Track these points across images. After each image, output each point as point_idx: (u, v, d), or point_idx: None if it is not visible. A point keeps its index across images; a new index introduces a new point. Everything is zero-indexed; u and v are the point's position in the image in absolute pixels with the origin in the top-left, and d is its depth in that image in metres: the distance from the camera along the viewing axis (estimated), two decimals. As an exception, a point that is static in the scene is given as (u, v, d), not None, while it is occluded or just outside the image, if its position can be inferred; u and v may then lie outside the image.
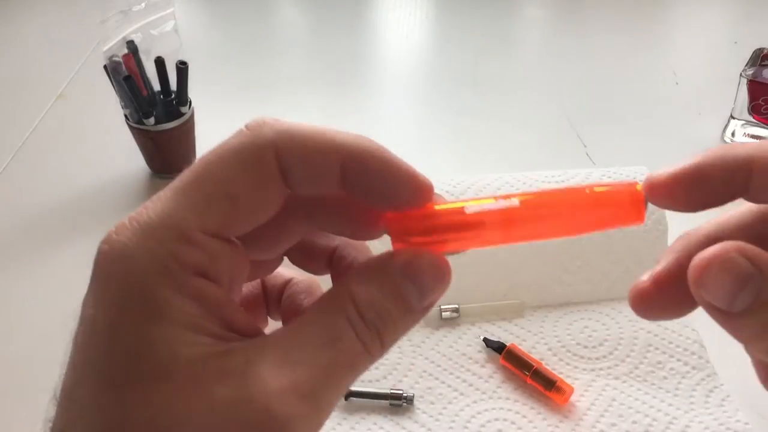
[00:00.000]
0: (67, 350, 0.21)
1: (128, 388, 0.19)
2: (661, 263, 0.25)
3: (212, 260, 0.21)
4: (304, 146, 0.22)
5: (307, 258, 0.26)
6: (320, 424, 0.21)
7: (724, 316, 0.21)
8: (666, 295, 0.24)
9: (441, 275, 0.23)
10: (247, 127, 0.22)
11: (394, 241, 0.23)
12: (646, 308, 0.24)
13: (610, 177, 0.54)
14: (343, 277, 0.23)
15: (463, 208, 0.23)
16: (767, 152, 0.22)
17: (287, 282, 0.27)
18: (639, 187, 0.23)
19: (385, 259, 0.23)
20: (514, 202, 0.23)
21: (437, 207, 0.23)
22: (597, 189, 0.23)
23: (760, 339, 0.21)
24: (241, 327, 0.21)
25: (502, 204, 0.23)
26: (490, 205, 0.23)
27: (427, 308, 0.23)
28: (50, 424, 0.20)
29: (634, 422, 0.42)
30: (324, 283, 0.26)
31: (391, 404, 0.44)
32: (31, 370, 0.49)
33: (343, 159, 0.22)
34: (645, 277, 0.25)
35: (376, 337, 0.22)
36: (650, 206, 0.52)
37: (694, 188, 0.24)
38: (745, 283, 0.21)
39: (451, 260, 0.40)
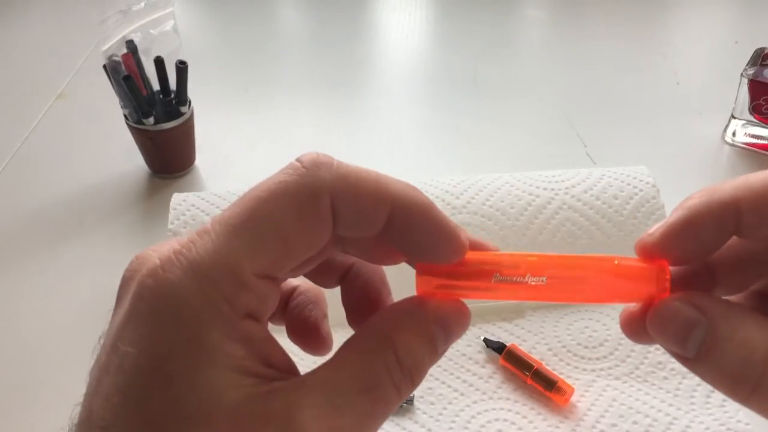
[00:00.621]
0: (85, 375, 0.21)
1: (172, 430, 0.19)
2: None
3: (261, 302, 0.21)
4: (358, 193, 0.22)
5: (322, 273, 0.26)
6: None
7: (683, 360, 0.23)
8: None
9: (465, 322, 0.24)
10: (301, 163, 0.22)
11: (420, 286, 0.24)
12: (635, 334, 0.25)
13: (610, 176, 0.53)
14: (356, 294, 0.24)
15: (492, 278, 0.24)
16: (751, 189, 0.23)
17: (293, 290, 0.27)
18: (665, 269, 0.24)
19: (418, 305, 0.23)
20: (543, 280, 0.23)
21: (468, 264, 0.24)
22: (623, 263, 0.24)
23: (720, 384, 0.22)
24: (278, 362, 0.21)
25: (531, 281, 0.23)
26: (518, 279, 0.23)
27: (448, 347, 0.24)
28: None
29: (635, 423, 0.42)
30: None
31: None
32: (31, 368, 0.49)
33: (392, 208, 0.22)
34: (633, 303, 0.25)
35: (410, 382, 0.22)
36: (651, 205, 0.52)
37: (686, 242, 0.24)
38: (691, 329, 0.22)
39: None
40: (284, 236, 0.21)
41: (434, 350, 0.23)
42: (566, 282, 0.24)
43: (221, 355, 0.19)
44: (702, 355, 0.22)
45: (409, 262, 0.25)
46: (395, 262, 0.25)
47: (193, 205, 0.51)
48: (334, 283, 0.27)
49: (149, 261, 0.20)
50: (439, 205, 0.50)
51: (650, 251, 0.25)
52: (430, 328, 0.23)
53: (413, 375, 0.22)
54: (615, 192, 0.52)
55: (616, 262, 0.24)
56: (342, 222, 0.22)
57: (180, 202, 0.51)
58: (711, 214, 0.23)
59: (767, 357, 0.21)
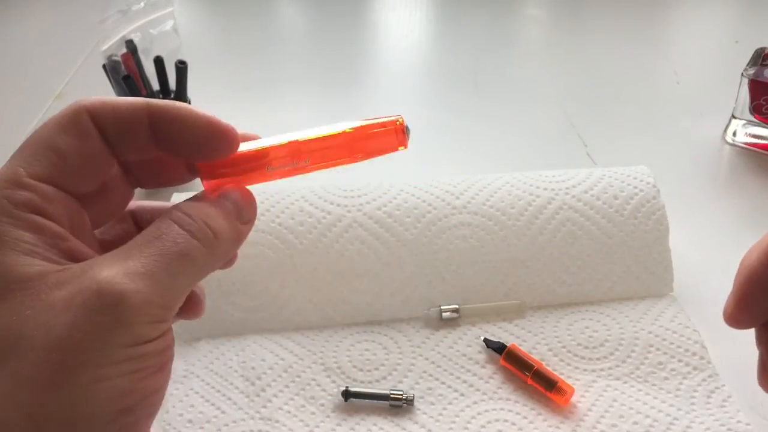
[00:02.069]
0: None
1: None
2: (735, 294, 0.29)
3: (45, 201, 0.24)
4: (114, 106, 0.26)
5: (120, 223, 0.31)
6: (165, 304, 0.24)
7: None
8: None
9: (248, 196, 0.29)
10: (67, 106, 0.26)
11: (204, 180, 0.28)
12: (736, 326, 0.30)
13: (611, 176, 0.53)
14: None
15: (266, 169, 0.29)
16: None
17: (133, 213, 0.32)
18: (400, 121, 0.30)
19: (200, 194, 0.28)
20: (307, 162, 0.29)
21: (242, 161, 0.29)
22: (368, 123, 0.30)
23: None
24: (77, 255, 0.25)
25: (297, 165, 0.29)
26: (288, 166, 0.29)
27: (248, 222, 0.28)
28: None
29: (635, 423, 0.42)
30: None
31: (391, 405, 0.44)
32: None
33: (150, 115, 0.26)
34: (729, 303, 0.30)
35: (206, 228, 0.26)
36: (651, 205, 0.53)
37: (758, 303, 0.28)
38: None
39: (452, 260, 0.41)
40: (53, 146, 0.25)
41: (225, 211, 0.27)
42: (324, 155, 0.30)
43: (8, 239, 0.23)
44: None
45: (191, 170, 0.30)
46: (185, 178, 0.30)
47: None
48: (134, 232, 0.30)
49: None
50: (440, 205, 0.51)
51: (734, 322, 0.29)
52: (213, 199, 0.27)
53: (207, 221, 0.26)
54: (615, 192, 0.52)
55: (354, 125, 0.30)
56: (108, 133, 0.26)
57: (181, 198, 0.51)
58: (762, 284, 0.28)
59: None
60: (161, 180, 0.30)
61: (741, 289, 0.28)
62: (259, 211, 0.50)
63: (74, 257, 0.24)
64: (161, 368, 0.25)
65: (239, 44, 0.95)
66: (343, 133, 0.30)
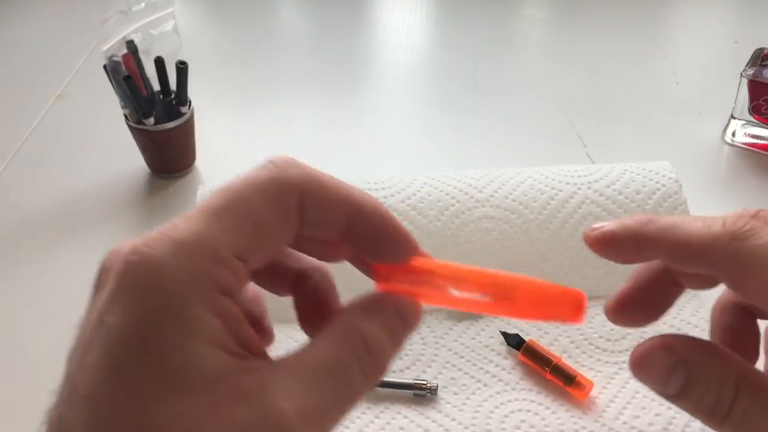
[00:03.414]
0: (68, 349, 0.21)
1: (154, 398, 0.20)
2: (624, 286, 0.30)
3: (238, 282, 0.22)
4: (323, 192, 0.24)
5: (275, 279, 0.28)
6: None
7: (665, 396, 0.27)
8: (629, 314, 0.31)
9: (418, 317, 0.26)
10: (272, 162, 0.24)
11: (378, 283, 0.27)
12: (615, 319, 0.31)
13: (633, 171, 0.53)
14: (307, 300, 0.27)
15: (445, 287, 0.27)
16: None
17: (301, 271, 0.28)
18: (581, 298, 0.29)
19: (379, 299, 0.26)
20: (486, 299, 0.27)
21: (419, 264, 0.27)
22: (549, 289, 0.28)
23: (697, 415, 0.26)
24: (249, 342, 0.22)
25: (473, 296, 0.27)
26: (462, 294, 0.27)
27: (407, 340, 0.26)
28: (51, 420, 0.21)
29: (657, 414, 0.43)
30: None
31: (415, 394, 0.45)
32: (30, 369, 0.49)
33: (352, 211, 0.25)
34: (611, 297, 0.31)
35: (378, 369, 0.24)
36: (673, 200, 0.53)
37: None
38: (671, 373, 0.26)
39: (474, 252, 0.42)
40: (257, 221, 0.23)
41: (396, 340, 0.25)
42: (506, 297, 0.27)
43: (201, 327, 0.21)
44: (681, 394, 0.26)
45: (353, 262, 0.28)
46: (340, 259, 0.28)
47: None
48: (286, 290, 0.28)
49: (129, 243, 0.22)
50: (463, 199, 0.52)
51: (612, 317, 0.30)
52: (391, 318, 0.25)
53: (379, 362, 0.24)
54: (638, 187, 0.52)
55: (538, 284, 0.28)
56: (307, 218, 0.24)
57: (207, 194, 0.52)
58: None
59: (735, 393, 0.25)
60: (318, 255, 0.28)
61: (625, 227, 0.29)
62: None
63: (247, 345, 0.22)
64: None
65: (239, 45, 0.95)
66: (533, 284, 0.28)
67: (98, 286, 0.23)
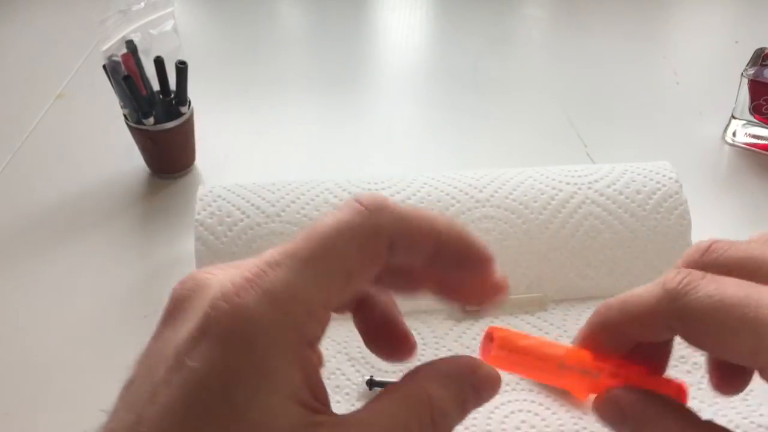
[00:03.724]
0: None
1: None
2: (576, 339, 0.31)
3: (322, 329, 0.22)
4: (413, 233, 0.24)
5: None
6: None
7: None
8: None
9: (495, 392, 0.26)
10: (362, 204, 0.23)
11: (485, 353, 0.27)
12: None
13: (633, 171, 0.53)
14: (374, 320, 0.26)
15: (560, 362, 0.28)
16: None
17: (366, 295, 0.28)
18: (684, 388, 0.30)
19: (460, 367, 0.25)
20: (597, 376, 0.28)
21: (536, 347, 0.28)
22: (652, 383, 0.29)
23: None
24: (320, 394, 0.22)
25: (587, 373, 0.28)
26: (580, 370, 0.28)
27: (479, 407, 0.26)
28: None
29: None
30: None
31: None
32: (30, 369, 0.49)
33: (437, 242, 0.24)
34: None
35: None
36: (674, 200, 0.54)
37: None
38: (621, 424, 0.27)
39: None
40: (349, 271, 0.22)
41: (463, 413, 0.24)
42: (615, 378, 0.28)
43: (283, 381, 0.20)
44: None
45: (435, 293, 0.27)
46: (423, 291, 0.27)
47: (219, 196, 0.51)
48: (346, 309, 0.28)
49: (216, 285, 0.21)
50: (463, 199, 0.51)
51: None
52: (466, 390, 0.25)
53: (441, 430, 0.23)
54: (638, 187, 0.52)
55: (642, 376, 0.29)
56: (395, 256, 0.24)
57: (206, 193, 0.52)
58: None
59: None
60: (401, 289, 0.28)
61: (590, 325, 0.30)
62: (284, 202, 0.52)
63: (317, 397, 0.22)
64: None
65: (239, 44, 0.95)
66: (639, 376, 0.29)
67: (172, 316, 0.22)
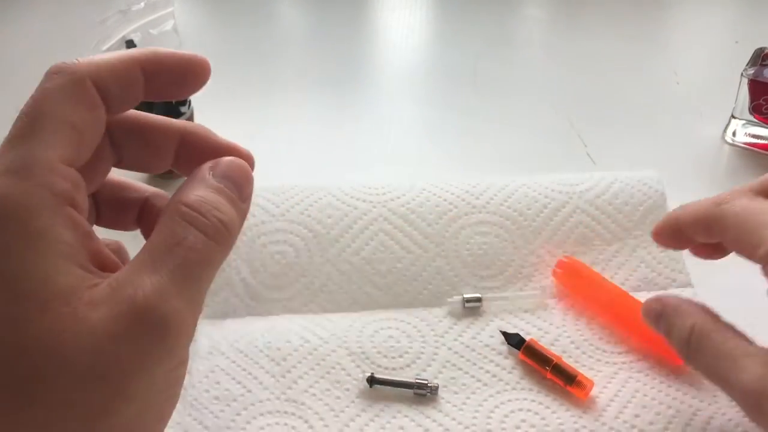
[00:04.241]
0: None
1: (9, 315, 0.20)
2: (660, 223, 0.42)
3: (76, 189, 0.22)
4: (111, 67, 0.26)
5: (119, 214, 0.29)
6: (195, 319, 0.23)
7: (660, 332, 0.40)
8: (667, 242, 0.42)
9: (243, 170, 0.27)
10: (54, 73, 0.25)
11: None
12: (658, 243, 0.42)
13: (621, 181, 0.55)
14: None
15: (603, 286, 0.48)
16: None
17: (144, 200, 0.30)
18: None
19: (196, 171, 0.26)
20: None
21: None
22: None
23: (680, 354, 0.39)
24: (103, 259, 0.23)
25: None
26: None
27: (247, 199, 0.27)
28: None
29: (657, 413, 0.43)
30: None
31: (415, 393, 0.45)
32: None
33: (143, 64, 0.26)
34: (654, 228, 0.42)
35: (220, 226, 0.24)
36: (658, 215, 0.56)
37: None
38: (657, 319, 0.40)
39: (472, 254, 0.42)
40: (71, 122, 0.23)
41: (229, 197, 0.25)
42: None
43: (50, 239, 0.21)
44: (666, 335, 0.40)
45: (179, 169, 0.29)
46: (167, 165, 0.29)
47: None
48: (132, 223, 0.30)
49: None
50: (460, 204, 0.54)
51: (656, 237, 0.42)
52: (212, 182, 0.25)
53: (220, 219, 0.24)
54: (626, 198, 0.55)
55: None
56: (111, 97, 0.25)
57: None
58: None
59: (689, 332, 0.37)
60: (143, 164, 0.29)
61: (666, 220, 0.41)
62: (288, 203, 0.53)
63: (99, 260, 0.23)
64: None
65: (239, 44, 0.95)
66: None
67: None
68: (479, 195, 0.54)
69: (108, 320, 0.20)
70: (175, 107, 0.65)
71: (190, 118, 0.66)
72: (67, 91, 0.24)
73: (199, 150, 0.28)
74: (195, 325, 0.23)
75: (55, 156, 0.22)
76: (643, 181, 0.55)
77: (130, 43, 0.62)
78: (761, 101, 0.66)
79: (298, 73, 0.88)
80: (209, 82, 0.74)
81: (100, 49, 0.60)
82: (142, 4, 0.63)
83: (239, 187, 0.26)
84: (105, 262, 0.23)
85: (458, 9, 1.02)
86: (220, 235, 0.24)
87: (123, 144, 0.28)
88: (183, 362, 0.22)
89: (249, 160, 0.28)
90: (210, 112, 0.75)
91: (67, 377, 0.19)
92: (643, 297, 0.50)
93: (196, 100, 0.67)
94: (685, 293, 0.51)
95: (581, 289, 0.51)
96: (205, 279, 0.23)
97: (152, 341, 0.21)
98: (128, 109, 0.27)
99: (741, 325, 0.43)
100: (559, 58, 0.89)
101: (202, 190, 0.25)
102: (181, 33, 0.65)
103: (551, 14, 1.03)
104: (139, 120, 0.28)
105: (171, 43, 0.63)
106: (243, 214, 0.26)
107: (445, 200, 0.54)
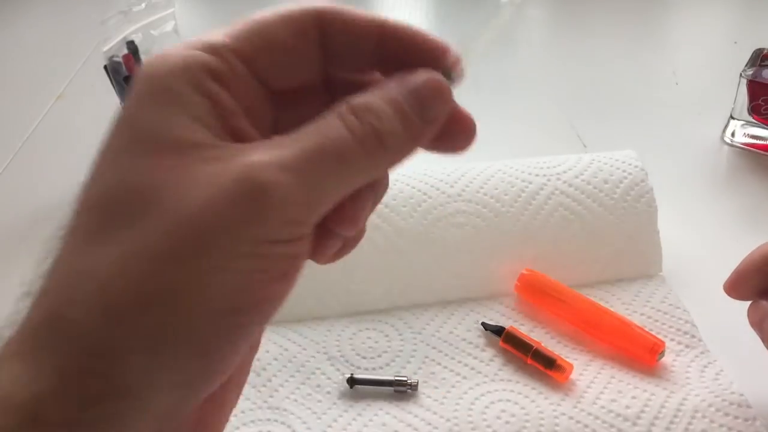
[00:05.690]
0: None
1: (134, 156, 0.21)
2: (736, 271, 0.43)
3: (234, 76, 0.23)
4: (346, 20, 0.24)
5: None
6: (310, 202, 0.21)
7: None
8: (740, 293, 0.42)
9: (436, 88, 0.24)
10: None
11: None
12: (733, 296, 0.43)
13: (600, 161, 0.54)
14: None
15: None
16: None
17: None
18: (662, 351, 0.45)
19: (386, 80, 0.24)
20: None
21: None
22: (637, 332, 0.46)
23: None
24: (244, 136, 0.23)
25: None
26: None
27: (432, 121, 0.24)
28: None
29: (634, 398, 0.43)
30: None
31: (395, 391, 0.45)
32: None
33: (378, 30, 0.24)
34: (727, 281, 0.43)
35: (371, 132, 0.22)
36: (640, 188, 0.58)
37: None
38: (761, 323, 0.41)
39: (449, 247, 0.41)
40: (265, 33, 0.23)
41: (403, 112, 0.23)
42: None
43: (183, 100, 0.22)
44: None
45: None
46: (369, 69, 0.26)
47: None
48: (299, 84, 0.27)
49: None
50: (434, 194, 0.52)
51: (730, 292, 0.43)
52: (392, 90, 0.23)
53: (376, 126, 0.22)
54: (605, 176, 0.53)
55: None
56: (330, 46, 0.24)
57: None
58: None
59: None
60: (344, 66, 0.26)
61: (740, 267, 0.41)
62: None
63: (240, 137, 0.22)
64: (285, 277, 0.22)
65: (239, 45, 0.95)
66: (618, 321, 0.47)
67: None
68: (453, 183, 0.52)
69: (213, 175, 0.20)
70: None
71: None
72: (286, 15, 0.24)
73: (403, 52, 0.24)
74: (309, 213, 0.21)
75: (228, 43, 0.23)
76: (622, 159, 0.54)
77: (131, 44, 0.62)
78: (760, 102, 0.66)
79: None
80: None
81: (101, 50, 0.61)
82: (143, 4, 0.63)
83: (422, 104, 0.23)
84: (245, 138, 0.23)
85: (458, 9, 1.03)
86: (368, 141, 0.22)
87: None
88: (279, 240, 0.21)
89: (452, 56, 0.25)
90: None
91: (151, 216, 0.20)
92: (620, 287, 0.52)
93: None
94: (655, 281, 0.52)
95: (544, 303, 0.50)
96: (336, 176, 0.22)
97: (242, 203, 0.20)
98: (347, 71, 0.25)
99: (708, 313, 0.48)
100: (558, 58, 0.89)
101: (375, 96, 0.23)
102: (182, 34, 0.65)
103: (551, 14, 1.03)
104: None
105: (172, 43, 0.64)
106: (418, 134, 0.23)
107: (419, 191, 0.52)
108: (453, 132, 0.26)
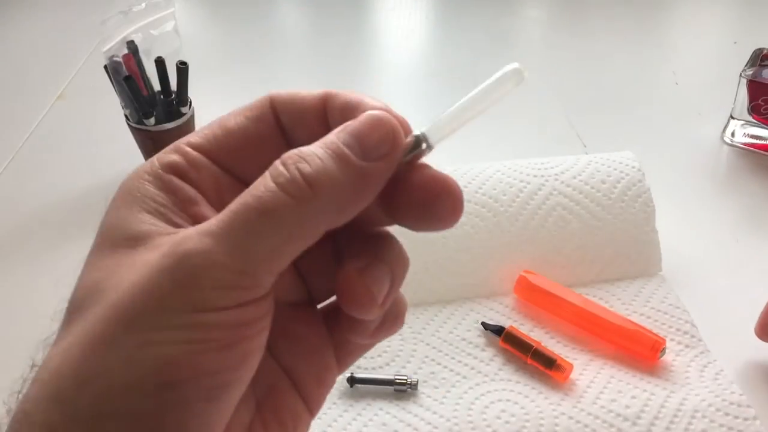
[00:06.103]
0: None
1: (100, 255, 0.23)
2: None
3: (192, 167, 0.24)
4: (293, 93, 0.26)
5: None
6: (243, 263, 0.20)
7: None
8: None
9: (375, 123, 0.23)
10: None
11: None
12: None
13: (597, 162, 0.55)
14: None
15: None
16: None
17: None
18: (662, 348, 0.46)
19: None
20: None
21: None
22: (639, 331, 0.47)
23: None
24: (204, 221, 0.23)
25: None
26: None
27: (374, 159, 0.22)
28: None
29: (633, 397, 0.43)
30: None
31: (396, 390, 0.45)
32: (30, 370, 0.49)
33: (325, 102, 0.26)
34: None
35: (298, 179, 0.21)
36: (637, 188, 0.57)
37: None
38: None
39: (448, 247, 0.41)
40: (223, 124, 0.25)
41: (333, 153, 0.22)
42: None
43: (144, 197, 0.23)
44: None
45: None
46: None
47: None
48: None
49: None
50: None
51: (763, 336, 0.45)
52: (328, 136, 0.22)
53: (302, 171, 0.21)
54: (603, 177, 0.54)
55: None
56: (285, 120, 0.26)
57: None
58: None
59: None
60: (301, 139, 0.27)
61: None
62: None
63: (201, 222, 0.22)
64: (229, 347, 0.21)
65: (240, 45, 0.95)
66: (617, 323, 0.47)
67: None
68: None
69: (150, 257, 0.21)
70: (176, 107, 0.65)
71: (191, 119, 0.66)
72: (246, 106, 0.26)
73: (351, 116, 0.24)
74: (245, 278, 0.21)
75: (185, 141, 0.25)
76: (619, 159, 0.55)
77: (131, 44, 0.62)
78: (760, 102, 0.66)
79: (298, 72, 0.88)
80: (209, 82, 0.74)
81: (101, 50, 0.61)
82: (143, 4, 0.63)
83: (362, 142, 0.22)
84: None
85: (458, 9, 1.02)
86: (293, 187, 0.21)
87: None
88: (212, 308, 0.20)
89: (395, 124, 0.24)
90: (210, 112, 0.75)
91: (92, 307, 0.21)
92: (620, 287, 0.52)
93: (197, 100, 0.67)
94: (655, 280, 0.52)
95: (543, 303, 0.50)
96: (267, 234, 0.21)
97: (168, 274, 0.20)
98: (302, 132, 0.25)
99: (708, 313, 0.48)
100: (558, 58, 0.89)
101: (313, 144, 0.22)
102: (182, 34, 0.65)
103: (551, 14, 1.03)
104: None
105: (172, 43, 0.63)
106: (361, 174, 0.22)
107: None
108: (433, 202, 0.24)
